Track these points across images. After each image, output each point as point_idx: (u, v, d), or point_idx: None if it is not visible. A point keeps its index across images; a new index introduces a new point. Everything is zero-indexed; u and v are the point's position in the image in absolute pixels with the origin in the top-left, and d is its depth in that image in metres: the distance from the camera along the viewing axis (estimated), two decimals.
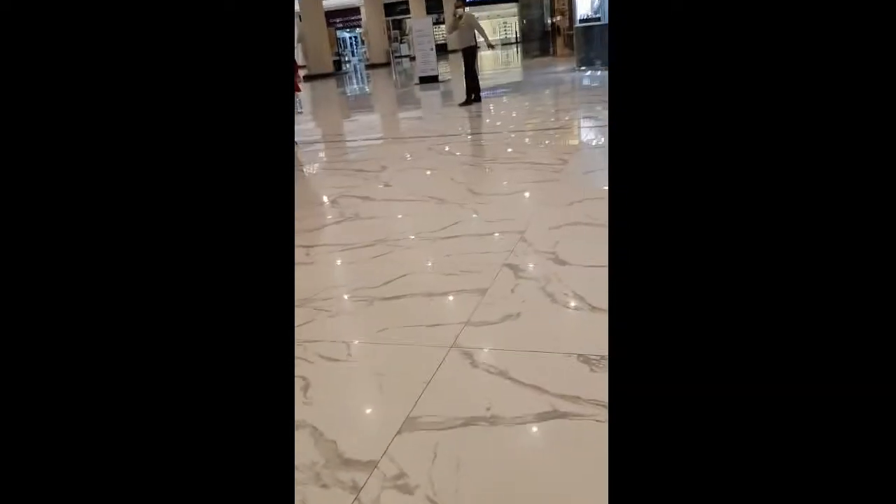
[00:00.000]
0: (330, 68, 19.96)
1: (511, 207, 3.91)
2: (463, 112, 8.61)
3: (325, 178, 5.74)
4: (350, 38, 26.54)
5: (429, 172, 5.26)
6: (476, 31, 9.10)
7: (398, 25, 29.98)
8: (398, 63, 23.50)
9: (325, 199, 4.86)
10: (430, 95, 11.58)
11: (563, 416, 1.77)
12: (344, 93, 14.83)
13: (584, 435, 1.68)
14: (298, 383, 2.11)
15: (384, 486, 1.58)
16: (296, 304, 2.77)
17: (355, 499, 1.54)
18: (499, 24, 33.69)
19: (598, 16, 11.86)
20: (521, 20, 27.24)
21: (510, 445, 1.67)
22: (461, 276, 2.89)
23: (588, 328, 2.26)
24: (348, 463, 1.68)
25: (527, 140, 6.27)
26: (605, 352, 1.93)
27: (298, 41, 19.52)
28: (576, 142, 6.12)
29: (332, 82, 17.51)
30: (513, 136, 6.60)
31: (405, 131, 8.17)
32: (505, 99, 9.75)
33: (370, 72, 20.64)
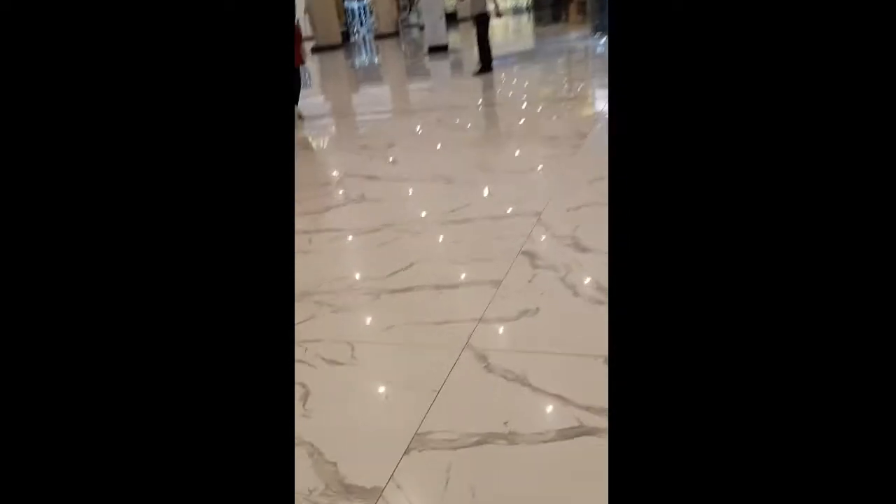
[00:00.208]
0: (338, 39, 19.43)
1: (526, 186, 3.67)
2: (473, 82, 8.30)
3: (329, 156, 5.51)
4: (358, 7, 25.99)
5: (438, 148, 5.01)
6: None
7: None
8: (407, 33, 23.01)
9: (329, 178, 4.65)
10: (440, 66, 11.24)
11: (591, 432, 1.57)
12: (352, 65, 14.50)
13: None
14: (298, 391, 1.93)
15: None
16: (296, 297, 2.58)
17: None
18: None
19: None
20: None
21: (531, 468, 1.48)
22: (473, 265, 2.68)
23: None
24: (350, 490, 1.49)
25: (540, 111, 6.00)
26: None
27: (305, 12, 19.16)
28: (593, 113, 5.83)
29: (340, 54, 17.14)
30: (526, 107, 6.32)
31: (414, 104, 7.89)
32: (516, 68, 9.41)
33: (379, 42, 20.18)
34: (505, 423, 1.63)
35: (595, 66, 8.71)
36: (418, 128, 5.94)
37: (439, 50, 12.83)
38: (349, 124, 7.05)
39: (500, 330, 2.12)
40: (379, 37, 21.85)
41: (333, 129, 6.92)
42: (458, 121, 5.98)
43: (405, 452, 1.59)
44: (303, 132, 6.51)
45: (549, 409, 1.68)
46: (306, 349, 2.17)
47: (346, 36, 21.77)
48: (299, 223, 3.53)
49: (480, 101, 7.17)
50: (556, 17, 20.06)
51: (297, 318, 2.40)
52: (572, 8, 19.07)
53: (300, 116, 7.11)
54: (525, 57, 10.76)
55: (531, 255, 2.65)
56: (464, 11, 8.76)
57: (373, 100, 8.77)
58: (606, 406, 1.63)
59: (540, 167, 4.06)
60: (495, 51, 9.04)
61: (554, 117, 5.56)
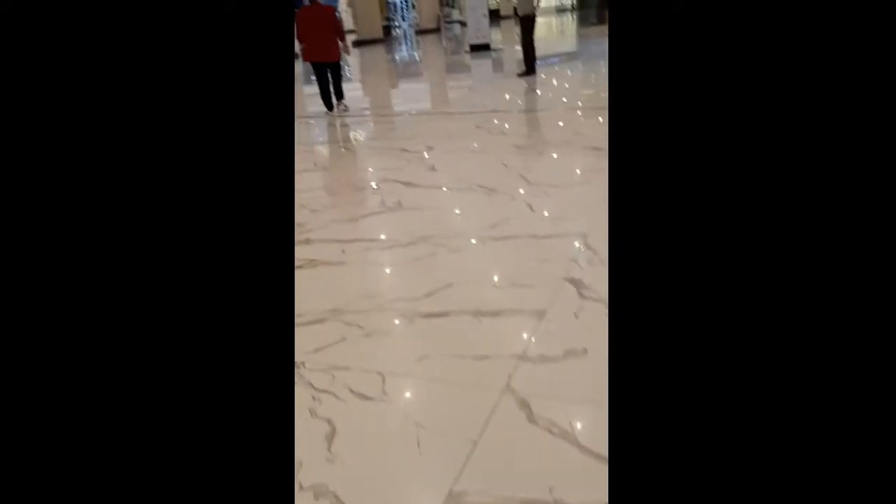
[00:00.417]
0: (379, 34, 19.33)
1: (571, 202, 3.48)
2: (516, 84, 8.09)
3: (367, 158, 5.38)
4: (400, 1, 25.92)
5: (478, 155, 4.83)
6: None
7: None
8: (449, 29, 22.82)
9: (365, 183, 4.51)
10: (481, 64, 11.03)
11: None
12: (392, 59, 14.38)
13: None
14: (323, 428, 1.78)
15: None
16: (326, 314, 2.44)
17: None
18: None
19: None
20: None
21: None
22: (514, 290, 2.51)
23: None
24: None
25: (584, 118, 5.78)
26: None
27: (348, 5, 19.10)
28: None
29: (380, 48, 17.04)
30: (570, 113, 6.10)
31: (454, 104, 7.71)
32: (559, 69, 9.16)
33: (419, 38, 20.05)
34: (550, 491, 1.46)
35: None
36: (458, 131, 5.76)
37: (481, 48, 12.58)
38: (388, 123, 6.92)
39: (544, 372, 1.95)
40: (420, 32, 21.72)
41: (372, 125, 6.79)
42: (499, 124, 5.79)
43: None
44: (347, 128, 6.40)
45: (600, 474, 1.50)
46: (334, 377, 2.02)
47: (387, 30, 21.69)
48: (334, 231, 3.39)
49: (523, 104, 6.97)
50: (601, 19, 19.65)
51: (326, 340, 2.26)
52: None
53: (346, 109, 7.22)
54: (569, 58, 10.50)
55: (577, 284, 2.47)
56: (518, 7, 8.44)
57: (412, 97, 8.62)
58: None
59: (585, 181, 3.85)
60: (538, 52, 8.80)
61: (598, 125, 5.34)
